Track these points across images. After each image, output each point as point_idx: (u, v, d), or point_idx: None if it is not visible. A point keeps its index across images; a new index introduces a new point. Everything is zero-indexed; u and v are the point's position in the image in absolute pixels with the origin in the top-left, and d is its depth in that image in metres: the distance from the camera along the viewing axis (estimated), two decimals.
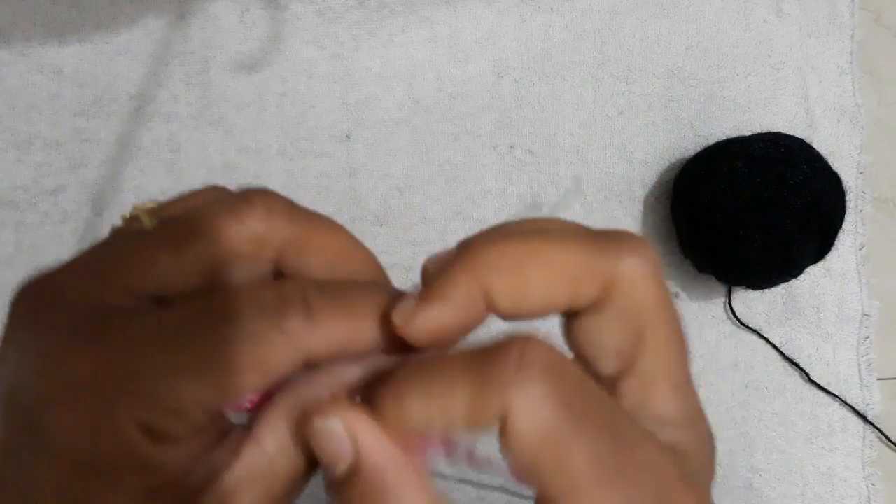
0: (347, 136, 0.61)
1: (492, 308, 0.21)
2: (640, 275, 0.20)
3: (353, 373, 0.21)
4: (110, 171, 0.59)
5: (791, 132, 0.61)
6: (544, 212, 0.62)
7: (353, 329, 0.20)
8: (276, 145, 0.60)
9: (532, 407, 0.18)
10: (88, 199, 0.58)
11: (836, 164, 0.58)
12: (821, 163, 0.57)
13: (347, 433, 0.20)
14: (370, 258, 0.24)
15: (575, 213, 0.62)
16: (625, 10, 0.64)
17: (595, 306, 0.21)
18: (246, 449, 0.20)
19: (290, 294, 0.20)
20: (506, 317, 0.21)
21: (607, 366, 0.21)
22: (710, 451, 0.22)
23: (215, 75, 0.60)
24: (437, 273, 0.21)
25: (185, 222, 0.21)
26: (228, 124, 0.60)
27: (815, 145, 0.58)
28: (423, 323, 0.20)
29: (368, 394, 0.21)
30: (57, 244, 0.58)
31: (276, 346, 0.19)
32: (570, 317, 0.22)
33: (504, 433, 0.18)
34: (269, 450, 0.20)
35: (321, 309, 0.20)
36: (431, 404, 0.19)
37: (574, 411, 0.18)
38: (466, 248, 0.21)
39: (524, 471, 0.19)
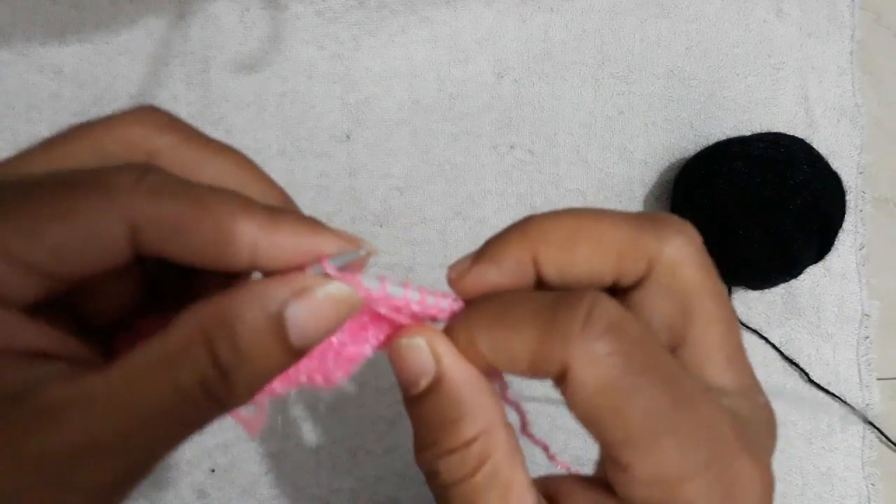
0: (347, 136, 0.61)
1: (540, 275, 0.22)
2: (683, 254, 0.22)
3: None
4: None
5: (791, 132, 0.61)
6: None
7: (181, 208, 0.20)
8: (276, 145, 0.60)
9: (593, 363, 0.19)
10: None
11: (836, 164, 0.58)
12: (821, 163, 0.57)
13: (430, 350, 0.21)
14: (263, 178, 0.24)
15: None
16: (625, 10, 0.64)
17: (642, 283, 0.22)
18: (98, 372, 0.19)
19: (126, 168, 0.20)
20: (552, 286, 0.22)
21: (661, 339, 0.22)
22: (770, 422, 0.23)
23: (215, 75, 0.60)
24: (493, 238, 0.23)
25: (74, 126, 0.22)
26: (228, 124, 0.60)
27: (815, 145, 0.58)
28: (473, 280, 0.22)
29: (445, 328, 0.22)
30: None
31: (95, 201, 0.19)
32: (620, 292, 0.23)
33: (564, 383, 0.20)
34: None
35: (156, 181, 0.20)
36: (498, 346, 0.21)
37: (634, 368, 0.19)
38: (524, 220, 0.22)
39: (583, 419, 0.20)
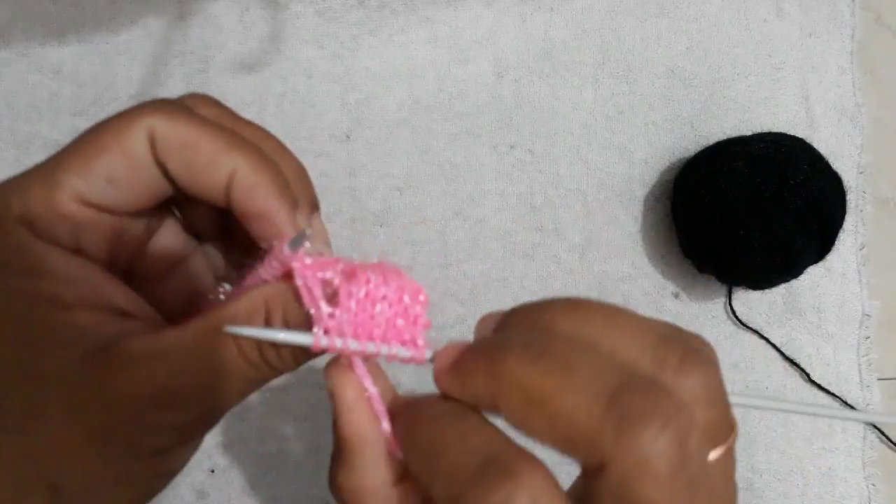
0: (347, 136, 0.61)
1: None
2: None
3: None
4: None
5: (791, 132, 0.61)
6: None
7: (189, 131, 0.25)
8: None
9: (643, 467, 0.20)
10: None
11: (836, 164, 0.58)
12: (821, 163, 0.57)
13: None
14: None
15: (576, 212, 0.62)
16: (625, 9, 0.64)
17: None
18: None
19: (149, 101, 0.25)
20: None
21: None
22: None
23: (215, 75, 0.60)
24: (468, 353, 0.22)
25: None
26: None
27: (815, 145, 0.58)
28: (446, 385, 0.22)
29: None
30: None
31: (122, 121, 0.24)
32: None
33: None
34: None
35: (171, 109, 0.24)
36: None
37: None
38: (493, 345, 0.21)
39: None
